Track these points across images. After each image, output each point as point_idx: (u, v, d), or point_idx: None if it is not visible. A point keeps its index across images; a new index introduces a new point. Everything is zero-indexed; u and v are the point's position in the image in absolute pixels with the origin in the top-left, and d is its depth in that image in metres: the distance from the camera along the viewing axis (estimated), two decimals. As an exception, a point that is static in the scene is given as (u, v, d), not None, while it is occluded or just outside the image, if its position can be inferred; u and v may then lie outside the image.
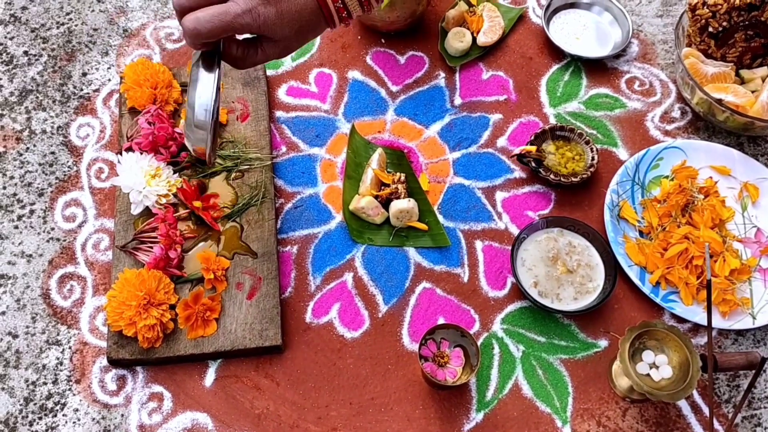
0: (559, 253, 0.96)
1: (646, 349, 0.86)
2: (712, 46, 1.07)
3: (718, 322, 0.92)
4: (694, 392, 0.90)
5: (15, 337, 0.93)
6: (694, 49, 1.08)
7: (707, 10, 1.05)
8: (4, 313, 0.94)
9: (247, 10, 0.66)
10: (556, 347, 0.93)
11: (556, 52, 1.15)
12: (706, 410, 0.89)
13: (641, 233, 0.99)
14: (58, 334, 0.93)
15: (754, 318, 0.93)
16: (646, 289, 0.94)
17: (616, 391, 0.90)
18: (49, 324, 0.94)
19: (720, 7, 1.04)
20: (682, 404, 0.90)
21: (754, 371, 0.86)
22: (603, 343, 0.93)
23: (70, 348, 0.92)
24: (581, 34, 1.17)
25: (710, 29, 1.06)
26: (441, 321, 0.94)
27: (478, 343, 0.90)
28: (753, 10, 1.03)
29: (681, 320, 0.94)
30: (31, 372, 0.91)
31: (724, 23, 1.04)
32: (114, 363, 0.90)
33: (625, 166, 1.03)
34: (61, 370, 0.91)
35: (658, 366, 0.85)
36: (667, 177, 1.03)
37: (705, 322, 0.92)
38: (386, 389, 0.90)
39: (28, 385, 0.90)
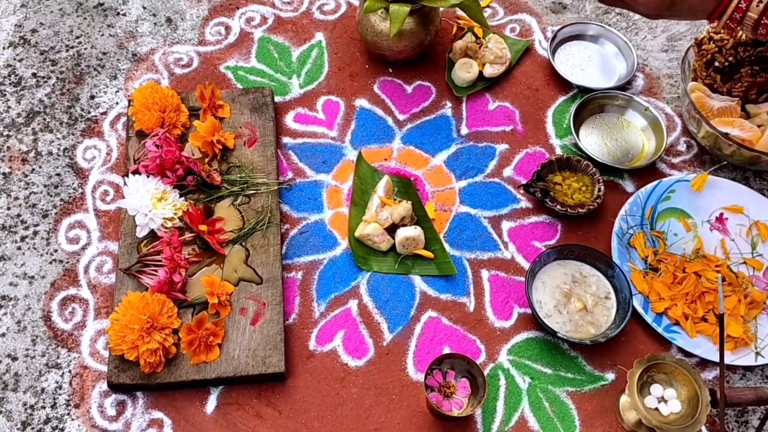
0: (571, 290, 0.95)
1: (654, 383, 0.85)
2: (717, 80, 1.08)
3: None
4: (703, 427, 0.89)
5: (14, 359, 0.91)
6: (700, 84, 1.08)
7: (714, 45, 1.06)
8: (4, 334, 0.93)
9: None
10: (563, 379, 0.92)
11: (562, 84, 1.16)
12: (714, 446, 0.88)
13: (650, 267, 0.99)
14: (58, 357, 0.91)
15: (758, 354, 0.92)
16: (649, 318, 0.93)
17: (624, 425, 0.89)
18: (50, 347, 0.92)
19: (726, 42, 1.05)
20: (691, 440, 0.88)
21: (763, 407, 0.85)
22: (610, 376, 0.92)
23: (69, 372, 0.91)
24: (586, 65, 1.18)
25: (716, 64, 1.06)
26: (446, 350, 0.93)
27: (485, 374, 0.89)
28: (759, 45, 1.04)
29: (688, 354, 0.93)
30: (30, 395, 0.89)
31: (731, 58, 1.05)
32: (114, 387, 0.88)
33: (636, 195, 1.02)
34: (60, 394, 0.89)
35: (667, 400, 0.84)
36: (677, 210, 1.03)
37: (710, 356, 0.91)
38: (390, 419, 0.89)
39: (26, 409, 0.88)
